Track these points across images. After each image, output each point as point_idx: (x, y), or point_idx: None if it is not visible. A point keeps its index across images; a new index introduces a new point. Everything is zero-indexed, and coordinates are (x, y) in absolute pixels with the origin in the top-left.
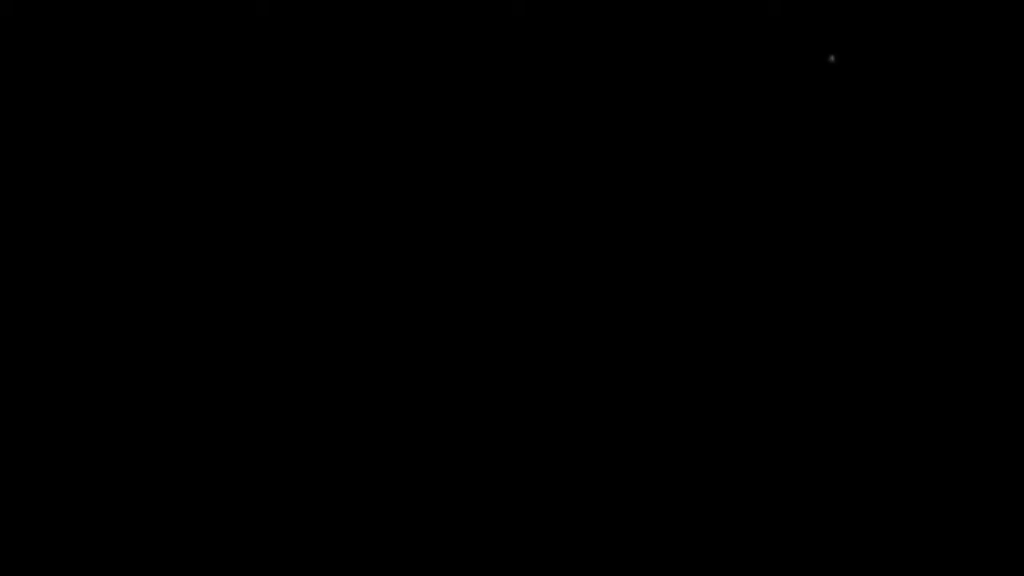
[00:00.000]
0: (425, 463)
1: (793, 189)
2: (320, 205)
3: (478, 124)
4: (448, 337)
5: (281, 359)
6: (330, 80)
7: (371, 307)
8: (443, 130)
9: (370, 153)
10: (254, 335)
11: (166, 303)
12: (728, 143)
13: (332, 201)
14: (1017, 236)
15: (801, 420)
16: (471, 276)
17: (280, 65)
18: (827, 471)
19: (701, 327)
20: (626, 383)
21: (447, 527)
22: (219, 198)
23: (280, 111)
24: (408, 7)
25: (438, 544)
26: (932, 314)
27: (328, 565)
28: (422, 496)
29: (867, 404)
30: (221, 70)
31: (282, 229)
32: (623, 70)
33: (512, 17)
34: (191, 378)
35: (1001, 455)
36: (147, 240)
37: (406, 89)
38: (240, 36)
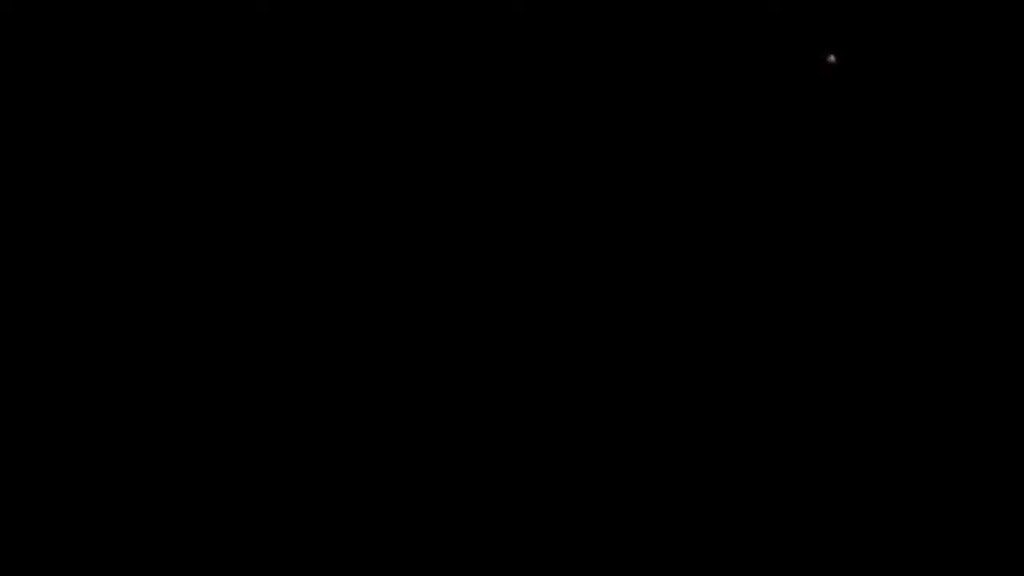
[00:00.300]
0: (425, 462)
1: (793, 189)
2: (320, 204)
3: (478, 124)
4: (448, 336)
5: (281, 358)
6: (330, 80)
7: (371, 306)
8: (443, 130)
9: (370, 153)
10: (254, 334)
11: (166, 302)
12: (728, 143)
13: (332, 200)
14: (1017, 236)
15: (801, 419)
16: (471, 275)
17: (280, 65)
18: (827, 470)
19: (700, 326)
20: (626, 382)
21: (447, 527)
22: (219, 197)
23: (280, 111)
24: (408, 7)
25: (438, 544)
26: (932, 314)
27: (328, 565)
28: (422, 496)
29: (866, 403)
30: (221, 70)
31: (282, 228)
32: (623, 70)
33: (512, 17)
34: (191, 377)
35: (1001, 455)
36: (147, 239)
37: (406, 89)
38: (240, 36)
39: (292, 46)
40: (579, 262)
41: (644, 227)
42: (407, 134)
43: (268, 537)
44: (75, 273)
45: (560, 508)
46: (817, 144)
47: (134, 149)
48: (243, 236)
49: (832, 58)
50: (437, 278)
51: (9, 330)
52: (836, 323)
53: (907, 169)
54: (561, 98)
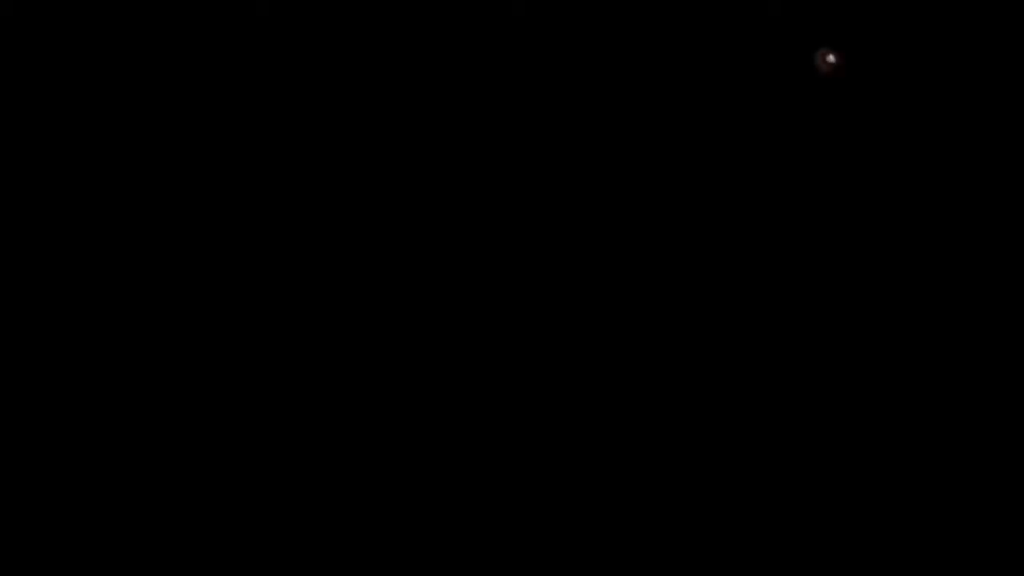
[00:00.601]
0: (425, 463)
1: (795, 192)
2: (320, 205)
3: (478, 124)
4: (448, 337)
5: (281, 359)
6: (330, 80)
7: (371, 307)
8: (443, 130)
9: (370, 153)
10: (254, 335)
11: (166, 303)
12: (730, 145)
13: (332, 201)
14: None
15: (801, 421)
16: (471, 276)
17: (280, 65)
18: (828, 471)
19: (701, 329)
20: (626, 383)
21: (447, 527)
22: (219, 198)
23: (280, 111)
24: (408, 7)
25: (438, 544)
26: (933, 314)
27: (328, 565)
28: (422, 496)
29: (867, 406)
30: (221, 70)
31: (282, 230)
32: (623, 70)
33: (512, 17)
34: (191, 378)
35: (1001, 455)
36: (147, 240)
37: (406, 89)
38: (240, 36)
39: (292, 46)
40: (579, 262)
41: (644, 227)
42: (407, 134)
43: (268, 537)
44: (75, 273)
45: (560, 508)
46: (817, 145)
47: (134, 149)
48: (243, 236)
49: (832, 58)
50: (437, 278)
51: (9, 330)
52: (836, 324)
53: (909, 171)
54: (561, 98)
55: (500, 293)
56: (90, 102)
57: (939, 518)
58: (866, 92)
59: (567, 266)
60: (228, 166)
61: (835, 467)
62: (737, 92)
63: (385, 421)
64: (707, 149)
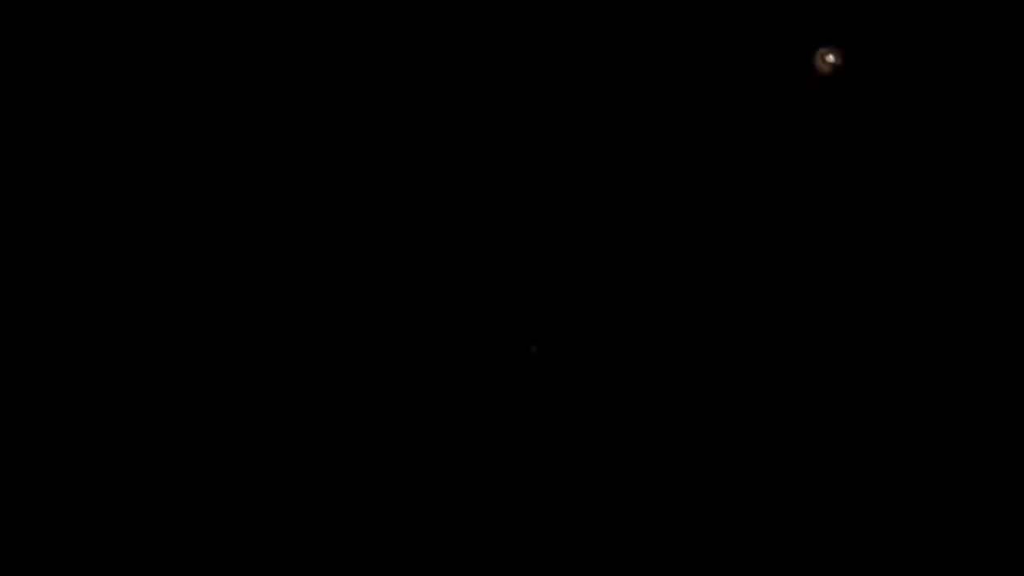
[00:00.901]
0: (425, 463)
1: (794, 192)
2: (320, 206)
3: (478, 124)
4: (448, 336)
5: (281, 360)
6: (330, 80)
7: (371, 308)
8: (443, 130)
9: (370, 154)
10: (254, 336)
11: (165, 303)
12: (730, 145)
13: (332, 202)
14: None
15: (802, 421)
16: (471, 275)
17: (280, 65)
18: (829, 472)
19: (701, 329)
20: (625, 382)
21: (447, 527)
22: (219, 198)
23: (280, 111)
24: (408, 7)
25: (438, 544)
26: (933, 315)
27: (328, 565)
28: (422, 496)
29: (866, 404)
30: (221, 70)
31: (282, 230)
32: (624, 70)
33: (512, 17)
34: (191, 378)
35: (1002, 455)
36: (147, 240)
37: (406, 89)
38: (240, 36)
39: (292, 46)
40: (578, 260)
41: (643, 226)
42: (407, 134)
43: (268, 537)
44: (74, 272)
45: (560, 508)
46: (817, 145)
47: (134, 149)
48: (243, 236)
49: (832, 58)
50: (436, 277)
51: (9, 330)
52: (836, 323)
53: (908, 171)
54: (561, 97)
55: (500, 292)
56: (90, 102)
57: (939, 518)
58: (866, 92)
59: (566, 265)
60: (228, 165)
61: (834, 466)
62: (737, 92)
63: (384, 420)
64: (707, 149)
